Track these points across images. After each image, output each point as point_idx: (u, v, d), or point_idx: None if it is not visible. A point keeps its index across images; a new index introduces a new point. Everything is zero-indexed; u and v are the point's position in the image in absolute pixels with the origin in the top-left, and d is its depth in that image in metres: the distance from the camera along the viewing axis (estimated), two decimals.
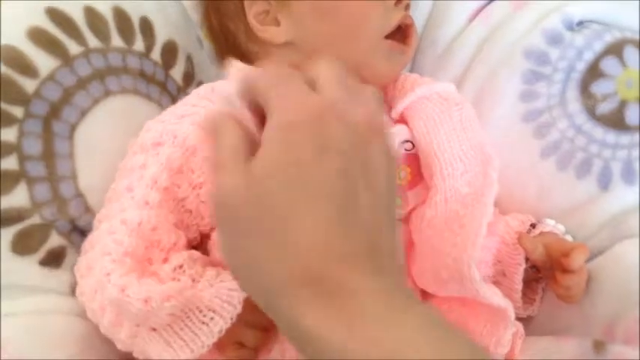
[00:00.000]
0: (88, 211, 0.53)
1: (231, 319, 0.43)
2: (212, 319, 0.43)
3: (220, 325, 0.43)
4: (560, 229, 0.58)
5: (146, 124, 0.52)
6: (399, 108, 0.57)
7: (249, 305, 0.43)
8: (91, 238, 0.50)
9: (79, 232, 0.53)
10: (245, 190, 0.32)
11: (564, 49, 0.58)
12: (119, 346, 0.46)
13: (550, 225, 0.58)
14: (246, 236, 0.32)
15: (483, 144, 0.56)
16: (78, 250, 0.52)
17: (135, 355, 0.46)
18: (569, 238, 0.58)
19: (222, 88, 0.51)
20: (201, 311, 0.43)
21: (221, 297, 0.43)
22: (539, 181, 0.59)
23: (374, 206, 0.34)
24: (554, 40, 0.58)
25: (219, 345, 0.44)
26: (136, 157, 0.50)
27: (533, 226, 0.58)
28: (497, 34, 0.61)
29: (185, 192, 0.49)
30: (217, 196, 0.33)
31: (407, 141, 0.57)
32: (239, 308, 0.43)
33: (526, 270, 0.56)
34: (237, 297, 0.43)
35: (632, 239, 0.55)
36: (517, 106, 0.59)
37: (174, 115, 0.52)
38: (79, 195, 0.53)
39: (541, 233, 0.57)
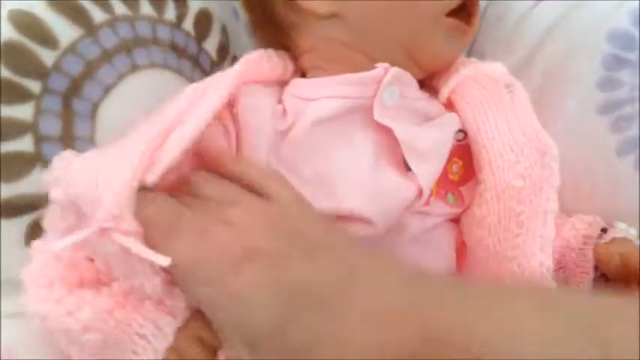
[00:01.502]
0: None
1: (163, 353, 0.40)
2: (144, 349, 0.40)
3: (151, 355, 0.40)
4: (633, 233, 0.53)
5: None
6: (444, 92, 0.51)
7: (185, 337, 0.41)
8: None
9: None
10: None
11: None
12: None
13: (622, 229, 0.52)
14: None
15: (539, 130, 0.49)
16: None
17: None
18: None
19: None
20: (132, 339, 0.40)
21: (155, 321, 0.41)
22: (613, 181, 0.53)
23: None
24: None
25: None
26: None
27: (604, 230, 0.52)
28: (575, 12, 0.54)
29: None
30: None
31: (459, 130, 0.51)
32: (171, 339, 0.41)
33: (593, 279, 0.51)
34: (172, 325, 0.41)
35: None
36: (594, 95, 0.53)
37: None
38: None
39: (613, 239, 0.51)
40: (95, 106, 0.48)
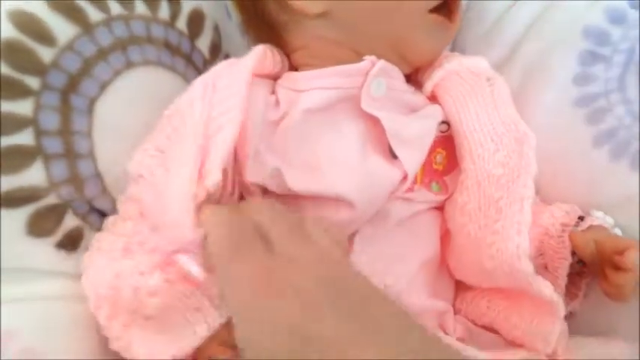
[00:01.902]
0: (105, 192, 0.50)
1: (215, 328, 0.43)
2: (198, 320, 0.43)
3: (204, 329, 0.43)
4: (609, 222, 0.55)
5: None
6: (428, 86, 0.53)
7: (228, 326, 0.43)
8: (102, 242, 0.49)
9: (97, 213, 0.50)
10: None
11: (627, 29, 0.53)
12: (113, 346, 0.45)
13: (599, 218, 0.55)
14: None
15: (518, 121, 0.52)
16: (96, 231, 0.50)
17: (124, 354, 0.45)
18: (617, 231, 0.54)
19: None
20: (188, 310, 0.43)
21: (212, 299, 0.43)
22: (590, 171, 0.55)
23: None
24: (617, 18, 0.53)
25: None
26: (131, 187, 0.49)
27: (581, 218, 0.54)
28: (553, 10, 0.56)
29: None
30: None
31: (442, 122, 0.53)
32: (224, 318, 0.43)
33: (571, 264, 0.53)
34: None
35: None
36: (570, 90, 0.55)
37: (152, 146, 0.49)
38: (97, 174, 0.50)
39: (590, 227, 0.53)
40: (92, 102, 0.49)
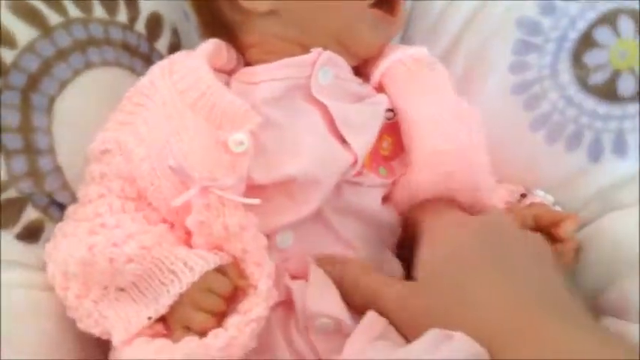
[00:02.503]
0: (66, 186, 0.53)
1: (187, 285, 0.44)
2: (172, 281, 0.44)
3: (177, 288, 0.44)
4: (549, 199, 0.58)
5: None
6: (375, 76, 0.56)
7: (199, 288, 0.44)
8: (64, 229, 0.50)
9: (58, 206, 0.52)
10: None
11: (557, 19, 0.57)
12: (81, 325, 0.47)
13: (540, 196, 0.58)
14: None
15: (458, 100, 0.55)
16: (56, 223, 0.51)
17: (93, 330, 0.46)
18: (558, 209, 0.57)
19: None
20: (162, 273, 0.44)
21: (185, 261, 0.44)
22: (529, 155, 0.58)
23: None
24: (548, 9, 0.57)
25: (168, 327, 0.45)
26: (92, 167, 0.50)
27: (523, 196, 0.57)
28: (490, 3, 0.59)
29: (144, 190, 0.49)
30: None
31: (389, 110, 0.55)
32: (197, 277, 0.44)
33: None
34: (201, 266, 0.44)
35: (621, 211, 0.55)
36: (507, 78, 0.58)
37: (114, 122, 0.51)
38: (57, 169, 0.52)
39: (531, 204, 0.56)
40: (52, 100, 0.52)
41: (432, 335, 0.38)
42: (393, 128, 0.56)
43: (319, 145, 0.50)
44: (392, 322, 0.43)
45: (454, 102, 0.54)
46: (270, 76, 0.53)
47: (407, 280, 0.47)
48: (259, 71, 0.54)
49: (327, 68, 0.53)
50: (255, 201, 0.46)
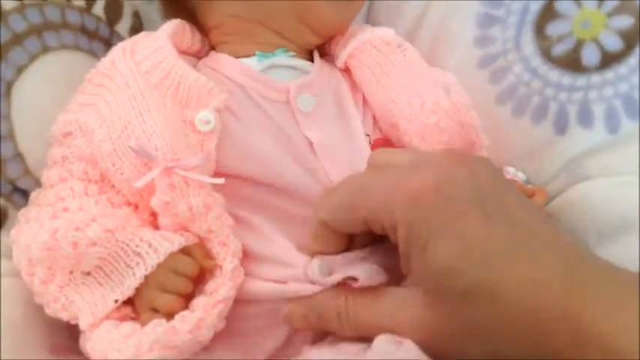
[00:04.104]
0: (28, 172, 0.52)
1: (153, 266, 0.43)
2: (137, 263, 0.43)
3: (142, 269, 0.43)
4: (520, 177, 0.58)
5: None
6: (343, 56, 0.55)
7: (165, 269, 0.43)
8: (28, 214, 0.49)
9: (21, 192, 0.52)
10: None
11: None
12: (48, 310, 0.46)
13: (510, 173, 0.58)
14: None
15: (434, 71, 0.55)
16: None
17: (61, 315, 0.45)
18: (530, 187, 0.57)
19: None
20: (128, 255, 0.44)
21: (150, 242, 0.44)
22: (496, 128, 0.58)
23: None
24: None
25: (136, 310, 0.45)
26: (54, 150, 0.49)
27: None
28: None
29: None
30: None
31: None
32: (162, 258, 0.43)
33: None
34: (165, 247, 0.43)
35: (588, 181, 0.55)
36: (472, 52, 0.58)
37: (75, 104, 0.50)
38: (18, 155, 0.51)
39: None
40: (9, 85, 0.51)
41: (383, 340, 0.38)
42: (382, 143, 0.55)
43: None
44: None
45: (432, 75, 0.54)
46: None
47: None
48: (234, 67, 0.53)
49: (304, 95, 0.51)
50: (220, 180, 0.45)
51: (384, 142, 0.55)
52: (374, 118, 0.55)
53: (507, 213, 0.38)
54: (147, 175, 0.44)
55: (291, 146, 0.50)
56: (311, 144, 0.50)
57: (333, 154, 0.50)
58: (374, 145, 0.53)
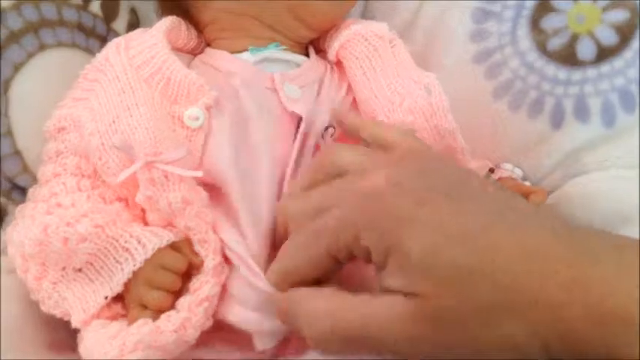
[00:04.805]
0: (26, 169, 0.52)
1: (141, 262, 0.43)
2: (126, 259, 0.44)
3: (131, 265, 0.43)
4: (517, 173, 0.58)
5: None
6: (335, 46, 0.55)
7: (153, 265, 0.44)
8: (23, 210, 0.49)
9: (20, 190, 0.52)
10: None
11: None
12: (44, 307, 0.46)
13: (508, 170, 0.58)
14: None
15: (416, 69, 0.54)
16: None
17: (55, 311, 0.46)
18: (527, 184, 0.58)
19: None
20: (117, 251, 0.44)
21: (139, 238, 0.44)
22: (492, 124, 0.58)
23: None
24: None
25: (124, 306, 0.45)
26: (49, 145, 0.50)
27: (491, 171, 0.57)
28: None
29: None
30: None
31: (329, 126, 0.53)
32: (150, 254, 0.43)
33: None
34: (154, 243, 0.44)
35: (585, 175, 0.55)
36: (468, 47, 0.58)
37: (70, 99, 0.50)
38: (17, 152, 0.52)
39: (499, 179, 0.56)
40: (7, 83, 0.51)
41: None
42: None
43: None
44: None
45: (417, 75, 0.54)
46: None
47: None
48: (228, 60, 0.53)
49: (288, 84, 0.51)
50: (198, 173, 0.45)
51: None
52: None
53: (474, 193, 0.36)
54: (127, 169, 0.44)
55: (278, 133, 0.50)
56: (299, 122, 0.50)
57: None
58: (339, 140, 0.53)
